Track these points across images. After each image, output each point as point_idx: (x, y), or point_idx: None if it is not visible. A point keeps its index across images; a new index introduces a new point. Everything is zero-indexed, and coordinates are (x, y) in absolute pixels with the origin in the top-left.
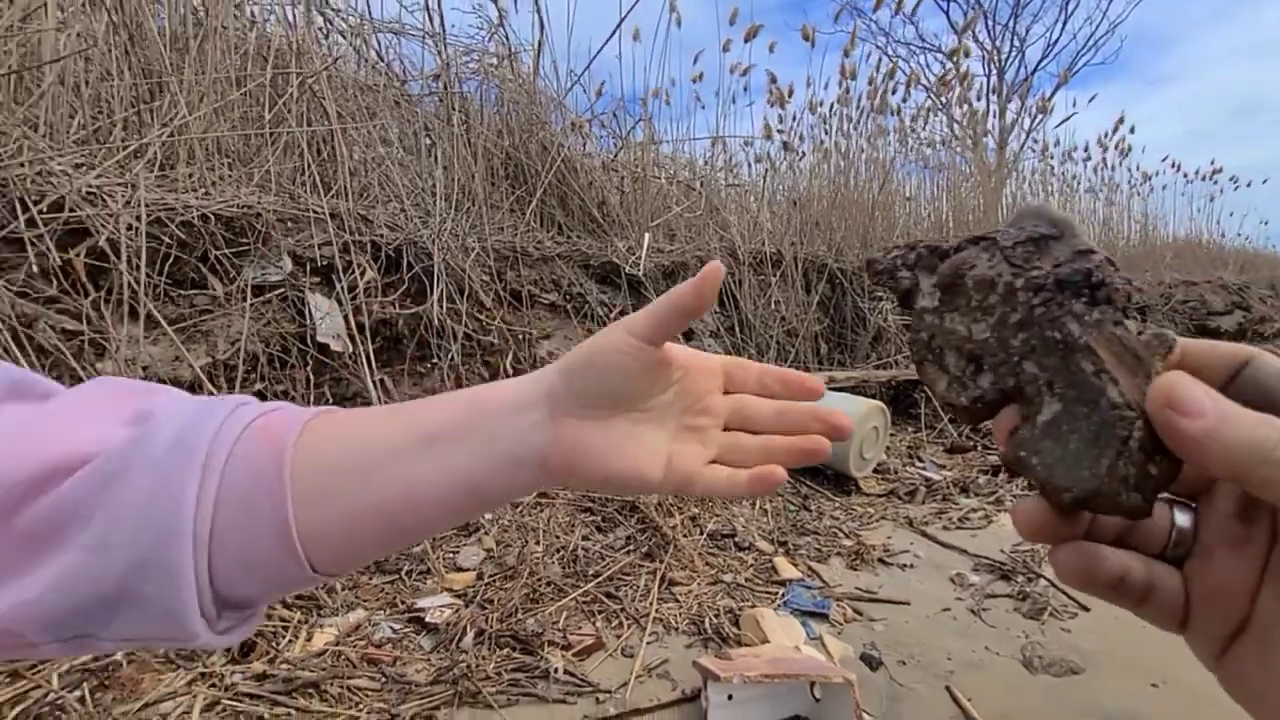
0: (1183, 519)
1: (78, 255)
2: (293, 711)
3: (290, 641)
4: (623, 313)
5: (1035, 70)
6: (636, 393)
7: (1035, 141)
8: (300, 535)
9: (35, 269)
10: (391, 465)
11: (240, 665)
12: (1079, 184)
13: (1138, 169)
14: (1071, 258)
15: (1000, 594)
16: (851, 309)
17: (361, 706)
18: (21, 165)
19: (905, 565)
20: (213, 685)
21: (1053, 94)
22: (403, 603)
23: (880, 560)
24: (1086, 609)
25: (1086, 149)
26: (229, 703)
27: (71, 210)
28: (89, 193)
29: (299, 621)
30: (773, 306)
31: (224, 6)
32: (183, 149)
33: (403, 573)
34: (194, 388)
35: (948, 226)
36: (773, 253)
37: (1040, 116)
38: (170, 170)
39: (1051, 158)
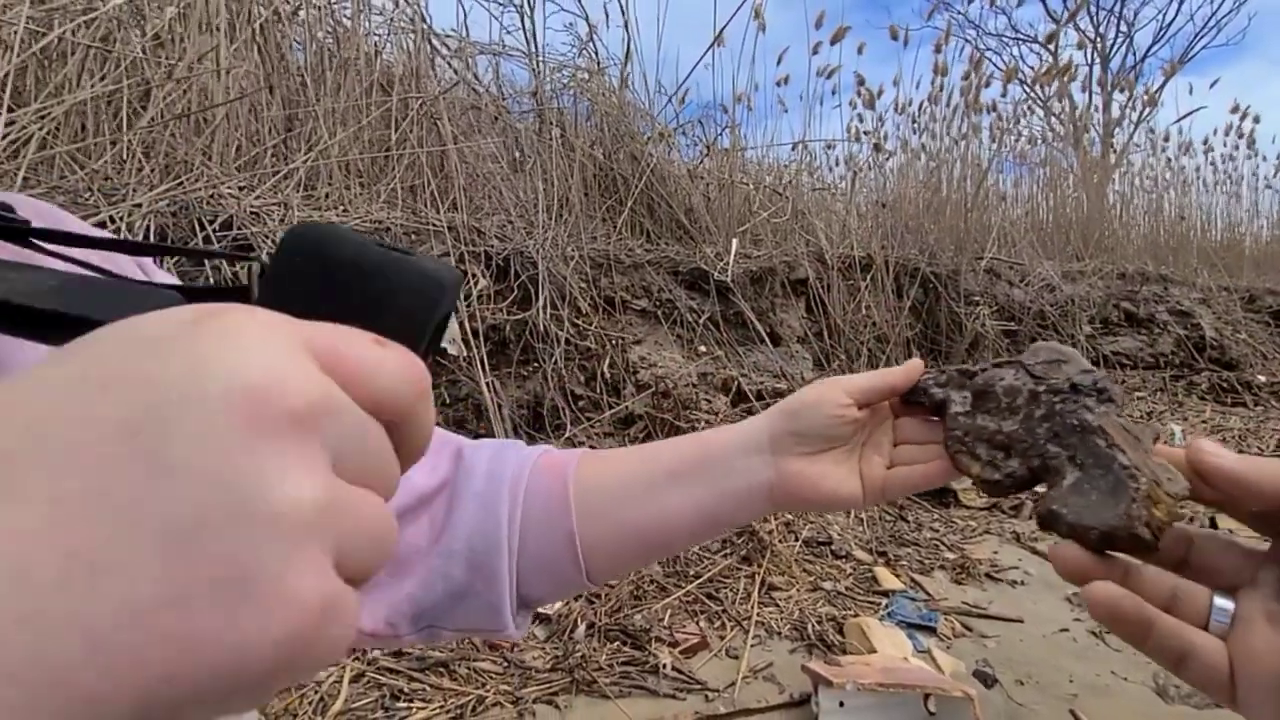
0: (1222, 600)
1: (244, 268)
2: (427, 687)
3: None
4: (710, 319)
5: (1145, 56)
6: (842, 437)
7: (1152, 132)
8: (581, 545)
9: (211, 282)
10: (646, 494)
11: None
12: (1198, 178)
13: (1268, 160)
14: (1081, 372)
15: None
16: (946, 314)
17: (488, 687)
18: (200, 189)
19: (1015, 582)
20: (358, 659)
21: (1165, 82)
22: None
23: (987, 575)
24: None
25: (1206, 140)
26: (373, 675)
27: (239, 229)
28: (252, 212)
29: None
30: (863, 311)
31: (353, 40)
32: (324, 170)
33: None
34: None
35: (1047, 227)
36: (862, 257)
37: (1150, 109)
38: (313, 190)
39: (1165, 151)
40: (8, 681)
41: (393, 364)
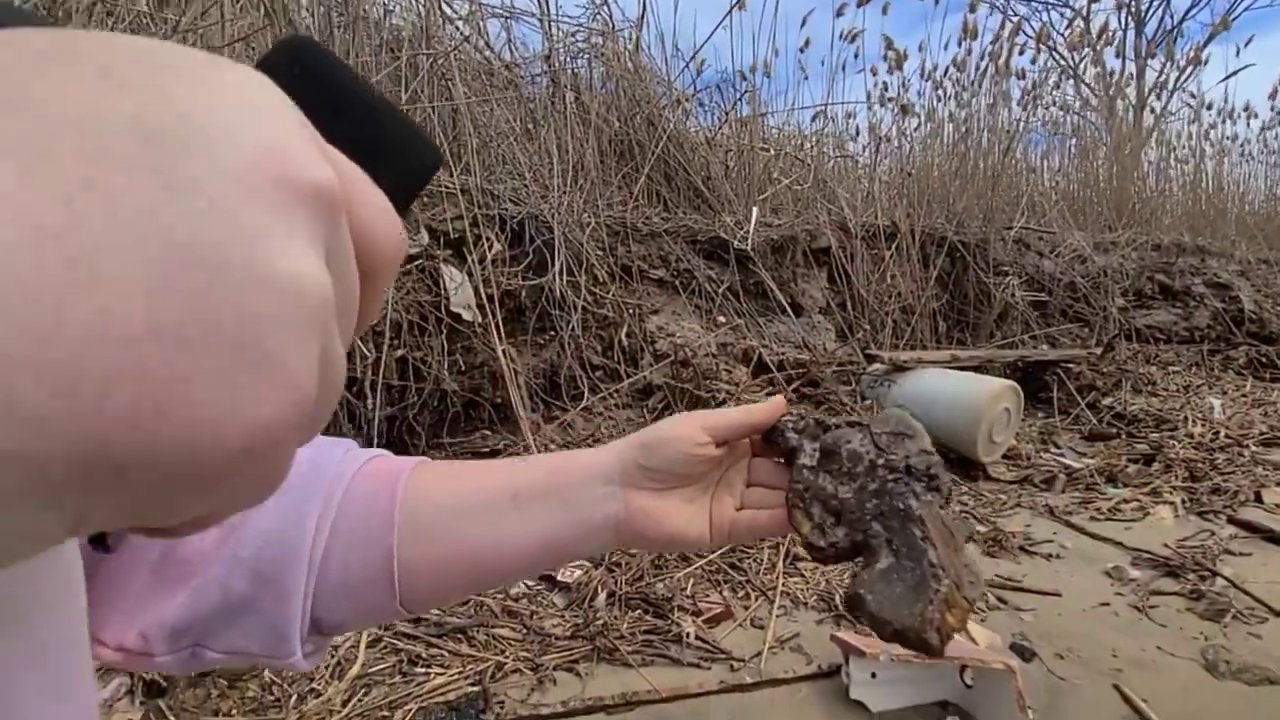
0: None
1: None
2: (445, 653)
3: None
4: (730, 289)
5: (1184, 19)
6: (696, 475)
7: (1193, 97)
8: (399, 567)
9: None
10: (484, 516)
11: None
12: (1237, 146)
13: None
14: (920, 454)
15: (1167, 591)
16: (974, 284)
17: (507, 654)
18: None
19: (1051, 555)
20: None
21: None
22: None
23: (1021, 549)
24: (1279, 614)
25: (1247, 107)
26: (390, 641)
27: None
28: None
29: None
30: (888, 281)
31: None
32: None
33: None
34: (348, 352)
35: (1078, 199)
36: (886, 225)
37: (1191, 69)
38: None
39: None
40: None
41: (390, 214)
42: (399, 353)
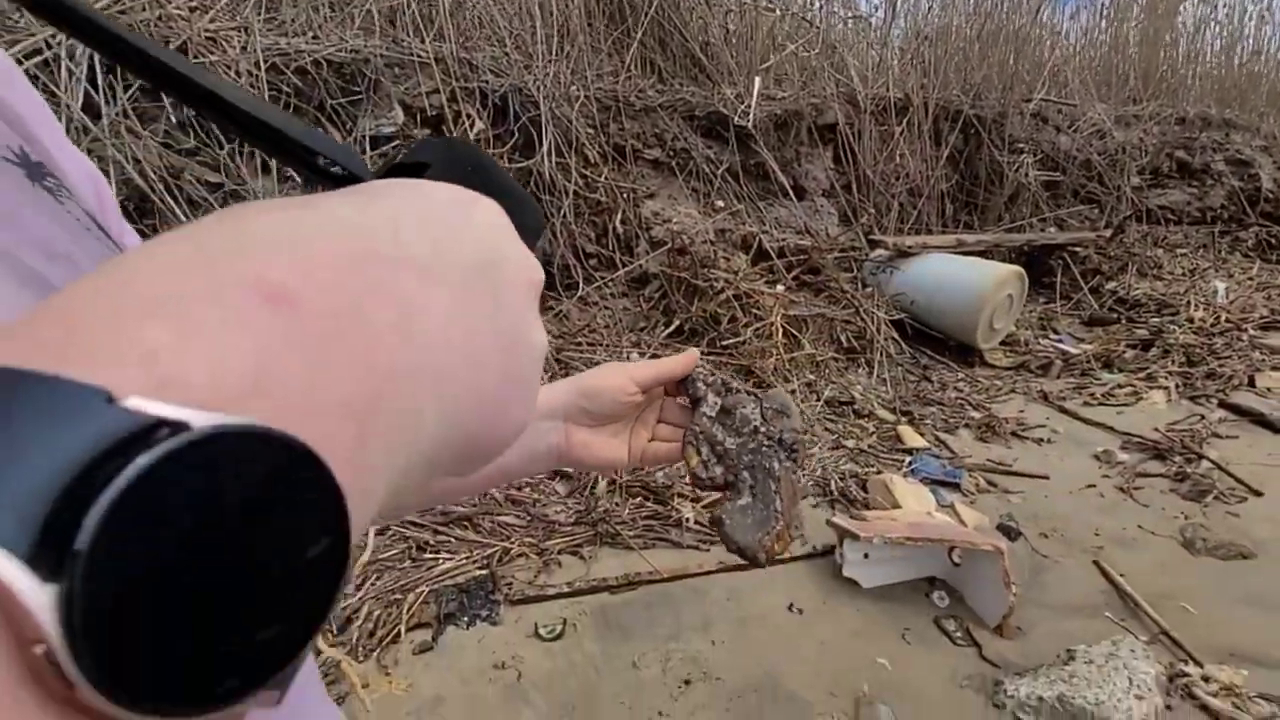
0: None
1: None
2: (452, 539)
3: None
4: (729, 170)
5: None
6: (624, 416)
7: None
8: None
9: (173, 120)
10: None
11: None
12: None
13: None
14: (791, 430)
15: (1154, 474)
16: (987, 163)
17: (512, 539)
18: (143, 9)
19: (1042, 440)
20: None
21: None
22: None
23: (1013, 434)
24: (1259, 494)
25: None
26: (398, 529)
27: (196, 57)
28: (208, 37)
29: None
30: (896, 161)
31: None
32: None
33: None
34: None
35: (1103, 65)
36: (898, 98)
37: None
38: (275, 13)
39: None
40: (450, 400)
41: None
42: None
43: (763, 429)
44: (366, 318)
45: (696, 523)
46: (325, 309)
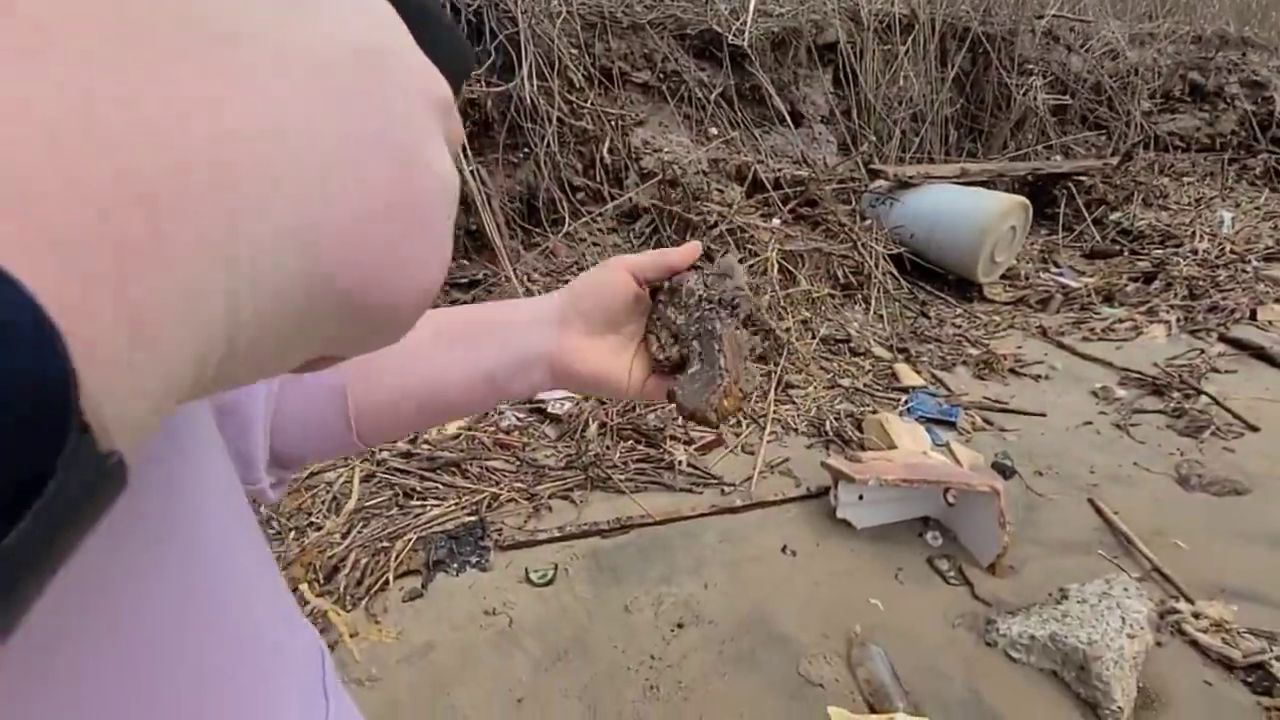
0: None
1: None
2: (440, 485)
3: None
4: (723, 94)
5: None
6: (622, 319)
7: None
8: (352, 403)
9: None
10: (424, 356)
11: (386, 444)
12: None
13: None
14: (733, 289)
15: (1151, 409)
16: (995, 86)
17: (502, 485)
18: None
19: (1039, 376)
20: (365, 460)
21: None
22: None
23: (1011, 371)
24: (1255, 429)
25: None
26: (383, 475)
27: None
28: None
29: None
30: (900, 84)
31: None
32: None
33: None
34: None
35: None
36: (903, 15)
37: None
38: None
39: None
40: (287, 234)
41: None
42: None
43: (705, 295)
44: (164, 76)
45: (689, 465)
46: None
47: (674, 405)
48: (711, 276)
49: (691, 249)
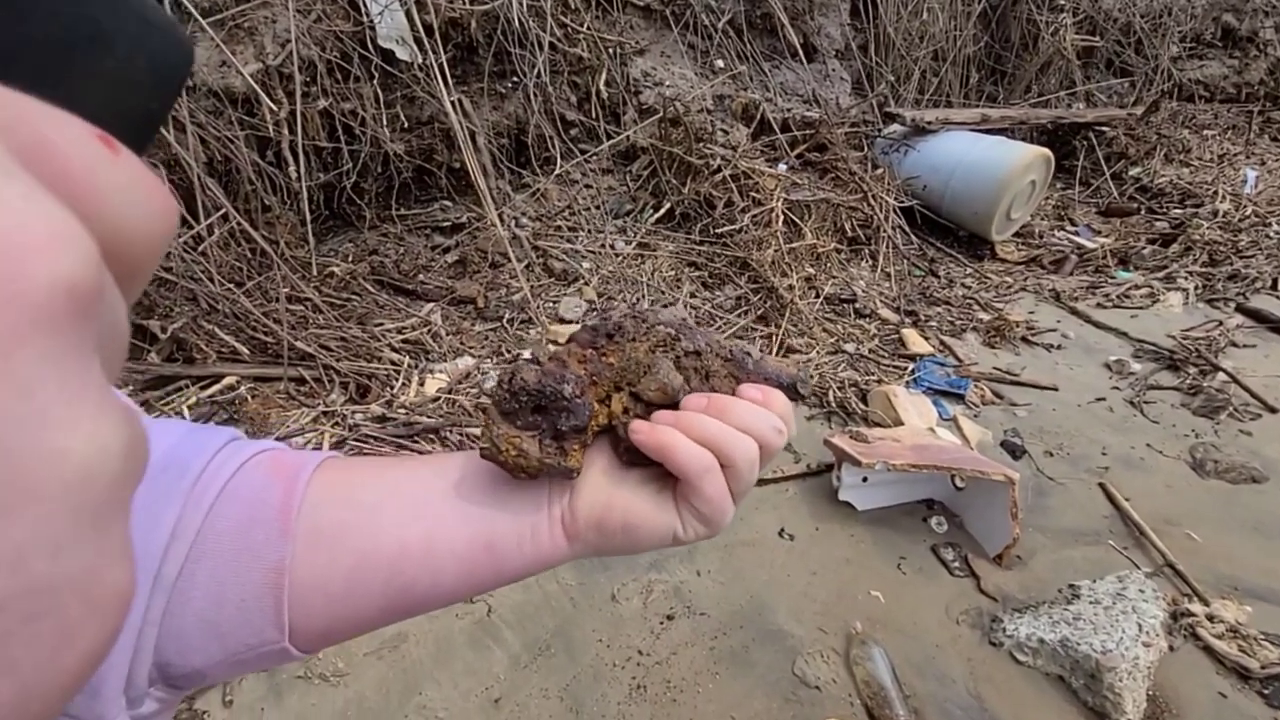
0: None
1: None
2: (418, 454)
3: (404, 386)
4: (731, 22)
5: None
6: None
7: None
8: (292, 587)
9: None
10: (414, 505)
11: (359, 406)
12: None
13: None
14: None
15: (1166, 385)
16: (1022, 24)
17: None
18: None
19: (1052, 346)
20: (337, 425)
21: None
22: (508, 351)
23: (1023, 339)
24: (1274, 410)
25: None
26: (355, 442)
27: None
28: None
29: (409, 366)
30: (921, 19)
31: None
32: None
33: (504, 320)
34: (250, 101)
35: None
36: None
37: None
38: None
39: None
40: None
41: (140, 186)
42: (320, 104)
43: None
44: None
45: None
46: None
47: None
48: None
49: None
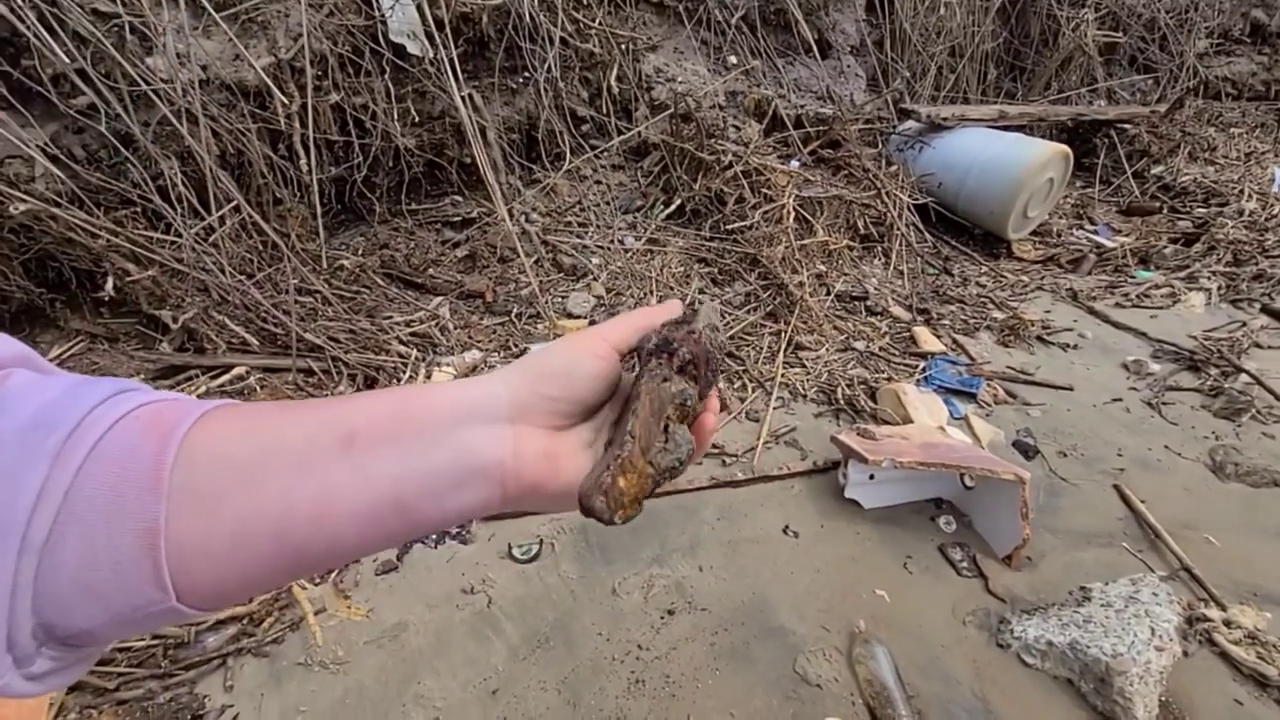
0: None
1: None
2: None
3: (411, 378)
4: (745, 18)
5: None
6: (601, 399)
7: None
8: (169, 547)
9: None
10: (300, 464)
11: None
12: None
13: None
14: (669, 334)
15: (1186, 387)
16: (1042, 19)
17: None
18: None
19: (1068, 345)
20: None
21: None
22: (515, 345)
23: (1038, 338)
24: None
25: None
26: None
27: None
28: None
29: (417, 359)
30: (939, 13)
31: None
32: None
33: (513, 315)
34: (262, 95)
35: None
36: None
37: None
38: None
39: None
40: None
41: None
42: (332, 98)
43: (648, 348)
44: None
45: None
46: None
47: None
48: (669, 326)
49: (674, 305)
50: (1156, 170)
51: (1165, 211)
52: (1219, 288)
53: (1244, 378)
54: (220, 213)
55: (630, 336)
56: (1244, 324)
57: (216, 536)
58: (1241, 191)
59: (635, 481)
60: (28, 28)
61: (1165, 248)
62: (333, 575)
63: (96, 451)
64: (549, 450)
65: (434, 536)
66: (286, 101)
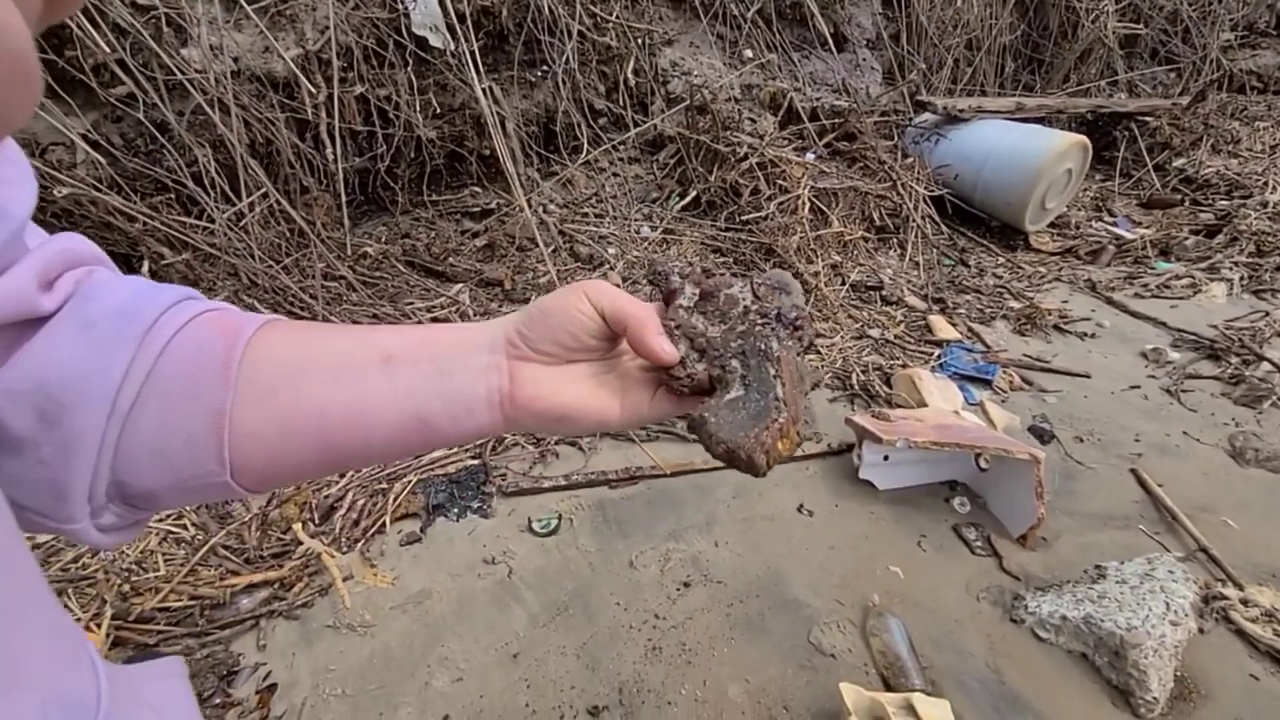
0: None
1: None
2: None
3: None
4: (760, 12)
5: None
6: (588, 348)
7: None
8: (232, 430)
9: None
10: (343, 375)
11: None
12: None
13: None
14: (792, 306)
15: (1205, 375)
16: (1060, 11)
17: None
18: None
19: (1085, 334)
20: None
21: None
22: None
23: (1055, 327)
24: None
25: None
26: None
27: None
28: None
29: None
30: (957, 4)
31: None
32: None
33: (530, 301)
34: (290, 85)
35: None
36: None
37: None
38: None
39: None
40: None
41: None
42: (357, 89)
43: (755, 308)
44: None
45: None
46: None
47: (701, 436)
48: (764, 288)
49: (655, 307)
50: (1178, 163)
51: (1187, 204)
52: (1241, 278)
53: (1265, 366)
54: (250, 199)
55: (610, 303)
56: (1266, 314)
57: (268, 428)
58: (1265, 183)
59: (788, 446)
60: (71, 19)
61: (1186, 239)
62: (359, 545)
63: (174, 343)
64: (539, 378)
65: (455, 510)
66: (314, 92)
